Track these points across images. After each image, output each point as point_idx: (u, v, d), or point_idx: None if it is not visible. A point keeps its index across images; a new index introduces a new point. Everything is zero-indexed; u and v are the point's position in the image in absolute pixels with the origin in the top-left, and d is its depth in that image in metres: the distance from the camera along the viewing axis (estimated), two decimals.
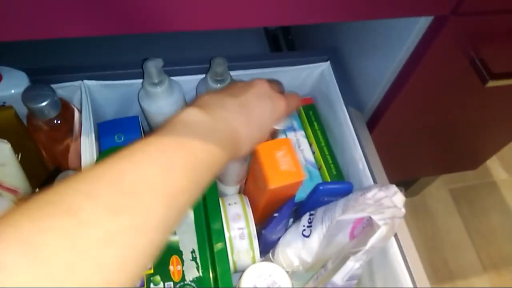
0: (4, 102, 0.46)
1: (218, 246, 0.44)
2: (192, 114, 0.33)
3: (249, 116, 0.37)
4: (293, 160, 0.48)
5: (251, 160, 0.51)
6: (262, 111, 0.38)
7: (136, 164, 0.27)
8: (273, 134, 0.51)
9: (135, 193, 0.26)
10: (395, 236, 0.46)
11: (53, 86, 0.46)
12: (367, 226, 0.44)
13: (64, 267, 0.21)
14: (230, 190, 0.55)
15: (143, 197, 0.26)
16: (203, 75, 0.55)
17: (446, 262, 1.13)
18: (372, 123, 0.62)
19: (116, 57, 0.69)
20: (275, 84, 0.43)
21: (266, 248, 0.52)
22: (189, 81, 0.55)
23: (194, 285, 0.42)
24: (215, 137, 0.33)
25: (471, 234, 1.19)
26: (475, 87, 0.51)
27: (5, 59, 0.47)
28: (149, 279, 0.41)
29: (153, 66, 0.47)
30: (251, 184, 0.53)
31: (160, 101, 0.50)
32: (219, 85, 0.51)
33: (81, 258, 0.21)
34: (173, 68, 0.53)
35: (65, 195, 0.24)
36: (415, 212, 1.20)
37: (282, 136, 0.60)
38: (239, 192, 0.57)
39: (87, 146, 0.47)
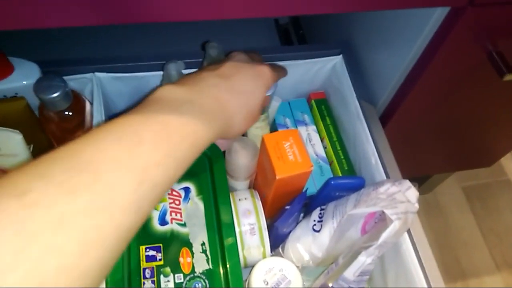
0: (16, 93, 0.47)
1: (228, 240, 0.44)
2: (166, 90, 0.31)
3: (232, 85, 0.35)
4: (301, 151, 0.47)
5: (260, 152, 0.51)
6: (244, 78, 0.36)
7: (97, 141, 0.25)
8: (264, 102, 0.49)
9: (95, 170, 0.23)
10: (408, 231, 0.46)
11: (65, 78, 0.46)
12: (380, 221, 0.44)
13: (11, 254, 0.19)
14: (240, 185, 0.54)
15: (105, 174, 0.23)
16: None
17: (459, 261, 1.12)
18: (385, 118, 0.61)
19: (128, 49, 0.69)
20: (254, 55, 0.42)
21: (277, 242, 0.52)
22: None
23: (204, 277, 0.42)
24: (194, 110, 0.30)
25: (484, 232, 1.17)
26: (492, 80, 0.50)
27: (17, 51, 0.47)
28: (159, 270, 0.41)
29: (174, 69, 0.47)
30: (260, 176, 0.53)
31: None
32: None
33: (30, 243, 0.19)
34: (183, 61, 0.53)
35: (16, 178, 0.22)
36: (427, 210, 1.18)
37: (290, 124, 0.60)
38: (249, 187, 0.57)
39: None
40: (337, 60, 0.59)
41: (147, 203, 0.25)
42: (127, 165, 0.25)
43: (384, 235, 0.40)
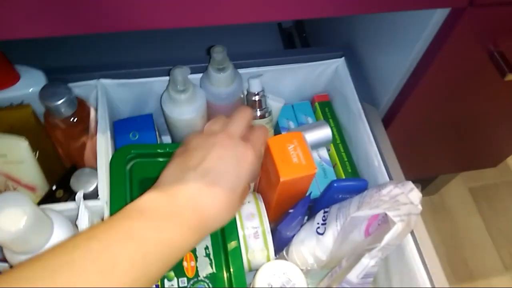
0: (22, 101, 0.47)
1: (232, 244, 0.44)
2: (150, 199, 0.32)
3: (214, 184, 0.34)
4: (305, 153, 0.47)
5: (264, 155, 0.51)
6: (227, 171, 0.36)
7: (73, 263, 0.26)
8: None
9: None
10: (412, 233, 0.46)
11: (70, 85, 0.47)
12: (383, 223, 0.44)
13: None
14: None
15: None
16: None
17: (466, 262, 1.11)
18: (388, 120, 0.61)
19: (132, 55, 0.70)
20: (235, 127, 0.39)
21: (280, 245, 0.52)
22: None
23: (207, 281, 0.42)
24: (174, 222, 0.31)
25: (492, 233, 1.16)
26: (494, 81, 0.50)
27: (23, 59, 0.48)
28: None
29: (180, 74, 0.48)
30: (264, 179, 0.53)
31: (182, 107, 0.51)
32: (221, 74, 0.51)
33: None
34: (188, 66, 0.54)
35: None
36: (434, 211, 1.18)
37: (293, 127, 0.60)
38: (253, 190, 0.57)
39: (103, 144, 0.47)
40: (339, 63, 0.59)
41: None
42: None
43: (387, 238, 0.40)
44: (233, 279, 0.42)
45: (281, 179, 0.46)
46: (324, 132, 0.57)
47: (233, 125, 0.39)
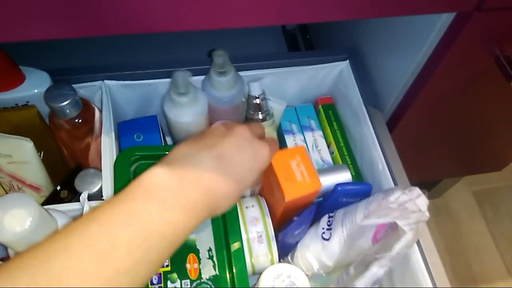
0: (27, 102, 0.48)
1: (234, 245, 0.44)
2: (158, 176, 0.31)
3: (226, 169, 0.34)
4: (308, 170, 0.46)
5: (266, 170, 0.50)
6: (241, 162, 0.36)
7: (69, 248, 0.25)
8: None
9: (63, 283, 0.23)
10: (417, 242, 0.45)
11: (75, 86, 0.47)
12: (390, 229, 0.43)
13: None
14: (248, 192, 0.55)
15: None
16: None
17: (470, 266, 1.11)
18: (392, 123, 0.61)
19: (136, 57, 0.70)
20: (256, 128, 0.41)
21: (285, 251, 0.52)
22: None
23: (210, 283, 0.42)
24: (180, 202, 0.30)
25: (496, 237, 1.15)
26: (499, 85, 0.50)
27: (28, 60, 0.48)
28: (166, 276, 0.41)
29: (182, 77, 0.48)
30: (266, 190, 0.53)
31: (183, 110, 0.51)
32: (223, 77, 0.51)
33: None
34: (190, 68, 0.54)
35: None
36: (437, 214, 1.17)
37: (299, 138, 0.60)
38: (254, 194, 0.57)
39: (107, 145, 0.47)
40: (344, 66, 0.59)
41: None
42: (94, 276, 0.25)
43: (398, 247, 0.40)
44: (235, 280, 0.42)
45: (286, 199, 0.45)
46: (344, 177, 0.53)
47: (253, 126, 0.40)
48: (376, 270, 0.40)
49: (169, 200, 0.30)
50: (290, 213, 0.50)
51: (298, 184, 0.46)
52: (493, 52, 0.48)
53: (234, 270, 0.43)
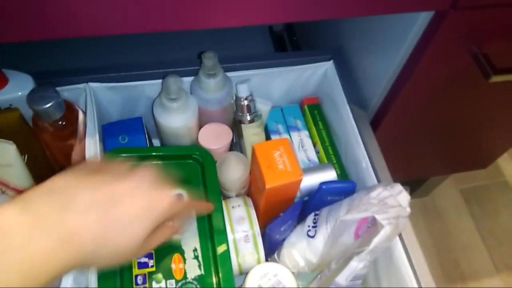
0: (10, 104, 0.47)
1: (220, 246, 0.45)
2: (7, 218, 0.26)
3: (107, 215, 0.29)
4: (291, 160, 0.47)
5: (251, 161, 0.51)
6: (129, 209, 0.31)
7: None
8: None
9: None
10: (400, 236, 0.46)
11: (59, 88, 0.47)
12: (372, 225, 0.44)
13: None
14: (234, 195, 0.55)
15: None
16: None
17: (458, 264, 1.12)
18: (376, 122, 0.62)
19: (121, 59, 0.70)
20: (167, 180, 0.36)
21: (271, 249, 0.52)
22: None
23: (196, 283, 0.42)
24: (24, 253, 0.26)
25: (483, 235, 1.17)
26: (479, 82, 0.51)
27: (12, 63, 0.48)
28: (151, 277, 0.41)
29: (173, 83, 0.48)
30: (253, 185, 0.54)
31: (173, 115, 0.51)
32: (212, 79, 0.51)
33: None
34: (175, 69, 0.54)
35: None
36: (425, 213, 1.18)
37: (282, 130, 0.60)
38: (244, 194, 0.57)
39: (92, 147, 0.47)
40: (328, 66, 0.60)
41: None
42: None
43: (376, 240, 0.41)
44: (221, 281, 0.42)
45: (267, 186, 0.46)
46: (330, 175, 0.54)
47: (162, 177, 0.35)
48: (356, 265, 0.41)
49: (13, 247, 0.26)
50: (273, 206, 0.50)
51: (279, 172, 0.46)
52: (471, 50, 0.49)
53: (219, 271, 0.43)
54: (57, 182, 0.30)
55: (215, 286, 0.43)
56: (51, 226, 0.27)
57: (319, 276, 0.46)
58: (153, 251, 0.43)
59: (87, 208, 0.29)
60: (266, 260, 0.50)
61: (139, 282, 0.41)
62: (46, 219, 0.27)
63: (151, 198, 0.32)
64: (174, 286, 0.42)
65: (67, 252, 0.27)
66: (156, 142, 0.63)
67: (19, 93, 0.47)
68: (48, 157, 0.52)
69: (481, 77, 0.48)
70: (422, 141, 0.71)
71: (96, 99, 0.53)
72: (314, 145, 0.60)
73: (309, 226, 0.50)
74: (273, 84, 0.61)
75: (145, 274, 0.41)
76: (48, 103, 0.44)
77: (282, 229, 0.51)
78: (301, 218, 0.54)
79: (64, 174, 0.30)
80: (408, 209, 0.43)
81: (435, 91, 0.57)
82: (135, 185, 0.32)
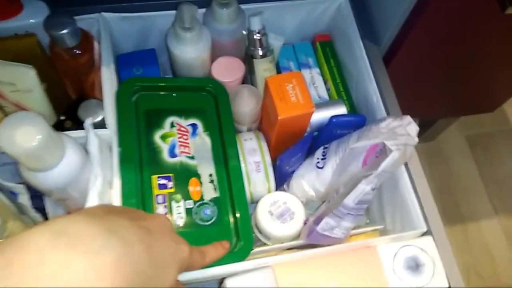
0: (26, 31, 0.48)
1: (233, 166, 0.47)
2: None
3: (150, 246, 0.26)
4: (303, 93, 0.48)
5: (263, 94, 0.52)
6: (163, 246, 0.28)
7: None
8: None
9: None
10: (406, 166, 0.47)
11: None
12: (380, 154, 0.45)
13: None
14: (244, 130, 0.56)
15: None
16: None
17: (458, 206, 1.15)
18: (388, 58, 0.62)
19: None
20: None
21: (281, 180, 0.54)
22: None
23: (212, 204, 0.45)
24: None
25: (485, 180, 1.19)
26: (494, 15, 0.50)
27: None
28: (170, 197, 0.44)
29: (188, 11, 0.47)
30: (264, 118, 0.55)
31: (187, 45, 0.51)
32: (225, 9, 0.51)
33: None
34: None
35: None
36: (429, 157, 1.20)
37: (293, 67, 0.60)
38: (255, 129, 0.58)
39: (107, 76, 0.48)
40: (342, 0, 0.59)
41: None
42: None
43: (384, 164, 0.42)
44: (234, 200, 0.45)
45: (279, 117, 0.47)
46: (340, 111, 0.54)
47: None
48: (363, 187, 0.42)
49: None
50: (284, 138, 0.51)
51: (292, 104, 0.48)
52: None
53: (233, 191, 0.45)
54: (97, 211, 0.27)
55: (229, 205, 0.45)
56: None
57: (327, 199, 0.49)
58: (171, 174, 0.45)
59: (136, 234, 0.26)
60: (276, 191, 0.52)
61: (160, 201, 0.43)
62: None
63: (177, 242, 0.30)
64: (192, 206, 0.44)
65: None
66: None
67: (34, 20, 0.47)
68: (65, 85, 0.52)
69: (496, 8, 0.48)
70: (432, 80, 0.71)
71: (109, 30, 0.53)
72: (325, 83, 0.61)
73: (318, 159, 0.52)
74: (285, 19, 0.60)
75: (165, 195, 0.44)
76: (65, 28, 0.44)
77: (292, 160, 0.53)
78: (310, 152, 0.56)
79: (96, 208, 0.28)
80: (416, 139, 0.45)
81: (449, 26, 0.56)
82: (160, 225, 0.30)
